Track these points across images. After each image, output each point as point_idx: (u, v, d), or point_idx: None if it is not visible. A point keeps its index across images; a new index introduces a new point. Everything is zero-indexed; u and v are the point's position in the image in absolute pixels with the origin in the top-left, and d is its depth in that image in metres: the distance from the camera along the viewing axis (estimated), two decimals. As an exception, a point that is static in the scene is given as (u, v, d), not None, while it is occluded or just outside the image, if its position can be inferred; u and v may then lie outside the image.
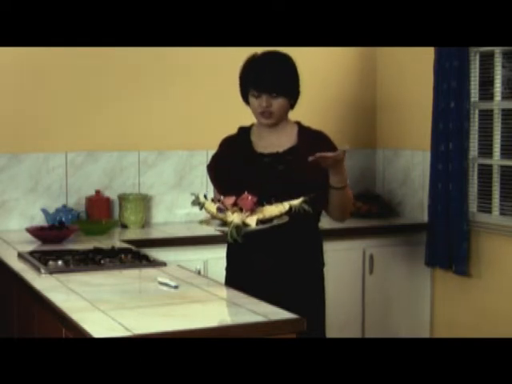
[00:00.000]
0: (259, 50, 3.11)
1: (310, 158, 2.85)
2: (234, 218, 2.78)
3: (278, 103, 3.01)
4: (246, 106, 3.17)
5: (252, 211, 2.80)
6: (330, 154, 2.86)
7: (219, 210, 2.83)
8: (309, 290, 3.08)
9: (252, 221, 2.78)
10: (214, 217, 2.87)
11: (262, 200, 2.83)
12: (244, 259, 3.08)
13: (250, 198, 2.81)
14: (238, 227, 2.77)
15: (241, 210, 2.80)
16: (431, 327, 4.87)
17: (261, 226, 2.81)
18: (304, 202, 2.81)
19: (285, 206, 2.82)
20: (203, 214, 4.10)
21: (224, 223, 2.82)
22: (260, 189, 2.89)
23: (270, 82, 2.99)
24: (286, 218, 2.83)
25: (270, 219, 2.82)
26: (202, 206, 2.87)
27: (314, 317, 2.97)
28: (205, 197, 2.89)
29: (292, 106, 3.10)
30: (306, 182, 2.92)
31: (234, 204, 2.81)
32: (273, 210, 2.83)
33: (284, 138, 3.09)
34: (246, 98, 3.08)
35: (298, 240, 3.04)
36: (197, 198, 2.88)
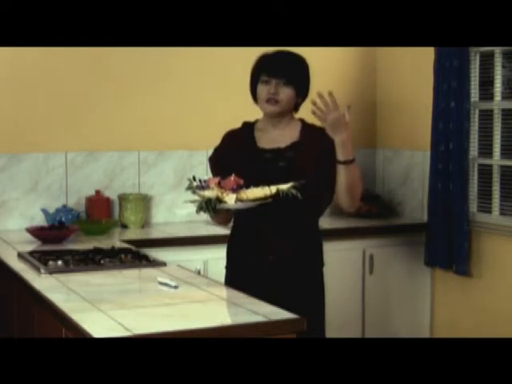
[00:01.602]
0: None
1: (313, 106, 2.89)
2: (210, 193, 2.79)
3: (285, 92, 3.02)
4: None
5: (233, 191, 2.81)
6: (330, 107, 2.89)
7: (198, 188, 2.84)
8: (308, 289, 3.08)
9: (230, 199, 2.80)
10: (199, 196, 2.87)
11: (250, 185, 2.86)
12: (244, 258, 3.08)
13: (233, 178, 2.83)
14: (208, 201, 2.78)
15: (224, 189, 2.82)
16: (431, 327, 4.87)
17: (240, 205, 2.82)
18: (293, 187, 2.82)
19: (271, 190, 2.83)
20: (204, 215, 4.09)
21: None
22: (260, 185, 2.89)
23: (282, 67, 3.03)
24: (269, 201, 2.83)
25: (253, 201, 2.83)
26: (193, 190, 2.88)
27: (314, 317, 2.97)
28: (194, 178, 2.90)
29: (297, 106, 3.11)
30: (306, 180, 2.91)
31: (218, 184, 2.83)
32: (257, 192, 2.84)
33: (287, 134, 3.09)
34: (254, 90, 3.09)
35: (297, 240, 3.04)
36: (190, 182, 2.89)
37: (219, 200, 2.81)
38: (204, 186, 2.84)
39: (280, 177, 2.96)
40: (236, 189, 2.82)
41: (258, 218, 2.96)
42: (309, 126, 3.13)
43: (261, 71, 3.06)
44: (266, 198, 2.83)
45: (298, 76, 3.06)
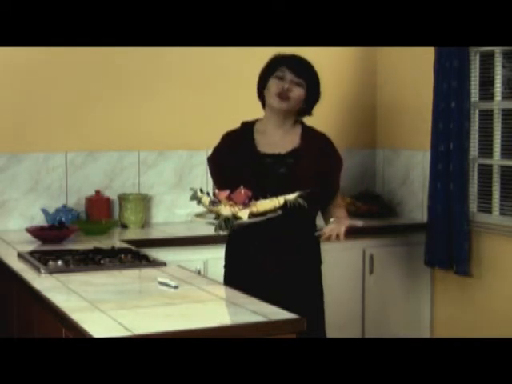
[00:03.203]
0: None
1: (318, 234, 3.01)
2: (225, 210, 2.80)
3: (297, 91, 3.05)
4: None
5: (245, 205, 2.83)
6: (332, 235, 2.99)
7: (212, 203, 2.85)
8: (308, 288, 3.08)
9: (244, 214, 2.82)
10: (210, 211, 2.89)
11: (258, 196, 2.86)
12: (242, 257, 3.09)
13: (243, 191, 2.85)
14: (227, 219, 2.79)
15: (235, 203, 2.82)
16: (431, 327, 4.87)
17: (253, 220, 2.84)
18: (299, 196, 2.83)
19: (279, 201, 2.85)
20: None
21: (217, 216, 2.85)
22: (259, 190, 2.90)
23: (301, 66, 3.08)
24: (279, 212, 2.86)
25: (264, 213, 2.84)
26: (199, 200, 2.89)
27: (314, 316, 2.97)
28: (201, 191, 2.92)
29: (301, 112, 3.11)
30: (306, 187, 2.91)
31: (228, 198, 2.84)
32: (267, 204, 2.85)
33: (288, 138, 3.09)
34: (262, 86, 3.09)
35: (295, 238, 3.04)
36: (195, 192, 2.90)
37: (234, 216, 2.83)
38: (216, 201, 2.85)
39: (280, 183, 2.96)
40: (247, 202, 2.83)
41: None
42: (309, 131, 3.13)
43: (279, 65, 3.07)
44: (275, 209, 2.84)
45: (311, 80, 3.09)
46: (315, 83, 3.12)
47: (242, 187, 2.86)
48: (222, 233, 2.87)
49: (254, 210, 2.84)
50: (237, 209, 2.82)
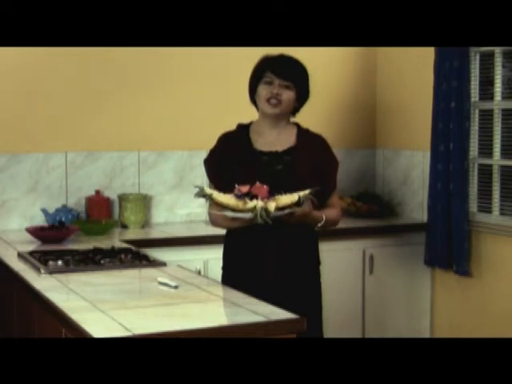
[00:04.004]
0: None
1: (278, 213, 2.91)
2: (257, 202, 2.82)
3: (287, 94, 3.05)
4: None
5: (268, 199, 2.84)
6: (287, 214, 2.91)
7: (237, 196, 2.85)
8: (305, 288, 3.08)
9: (271, 207, 2.84)
10: (223, 206, 2.87)
11: (273, 192, 2.88)
12: (240, 258, 3.09)
13: (264, 186, 2.88)
14: (266, 209, 2.80)
15: (255, 197, 2.83)
16: (431, 327, 4.87)
17: (279, 213, 2.86)
18: (311, 193, 2.85)
19: (294, 197, 2.87)
20: (204, 214, 4.11)
21: (238, 211, 2.85)
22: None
23: (287, 70, 3.05)
24: (296, 208, 2.88)
25: (283, 208, 2.87)
26: (208, 197, 2.88)
27: (311, 316, 2.96)
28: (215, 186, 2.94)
29: (294, 111, 3.13)
30: (303, 184, 2.92)
31: (248, 192, 2.85)
32: (285, 199, 2.88)
33: (283, 137, 3.11)
34: (253, 90, 3.09)
35: (293, 238, 3.04)
36: (201, 189, 2.89)
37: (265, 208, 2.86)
38: (240, 195, 2.86)
39: (277, 180, 2.97)
40: (269, 197, 2.85)
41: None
42: (304, 131, 3.16)
43: (265, 70, 3.07)
44: (292, 204, 2.87)
45: (300, 81, 3.08)
46: (304, 82, 3.10)
47: (258, 183, 2.88)
48: (265, 222, 2.84)
49: (275, 205, 2.86)
50: (262, 202, 2.85)
